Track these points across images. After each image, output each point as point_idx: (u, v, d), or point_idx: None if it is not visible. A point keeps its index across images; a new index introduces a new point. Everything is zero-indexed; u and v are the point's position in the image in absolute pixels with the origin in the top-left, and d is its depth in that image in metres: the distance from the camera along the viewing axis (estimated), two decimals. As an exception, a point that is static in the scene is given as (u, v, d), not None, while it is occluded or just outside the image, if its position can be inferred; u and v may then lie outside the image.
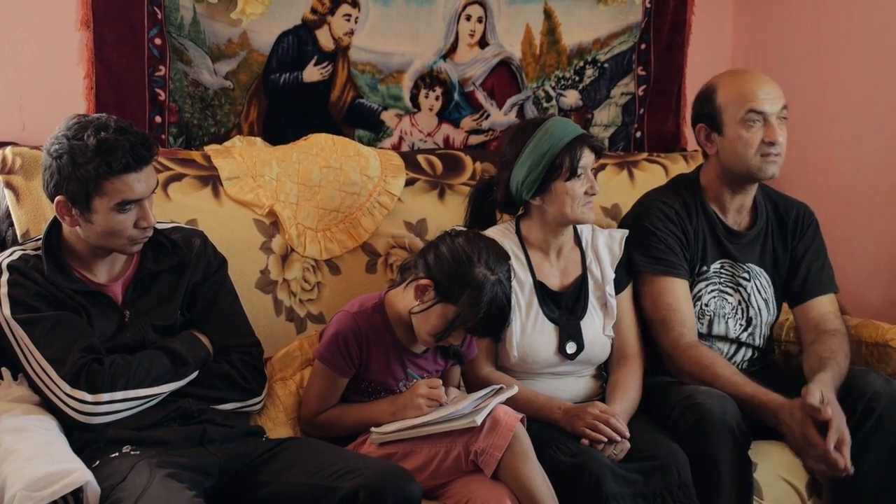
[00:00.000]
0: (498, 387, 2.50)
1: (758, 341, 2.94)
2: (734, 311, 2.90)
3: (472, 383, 2.69)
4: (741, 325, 2.91)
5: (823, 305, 2.89)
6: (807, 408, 2.51)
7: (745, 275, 2.90)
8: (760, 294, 2.91)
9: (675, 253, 2.82)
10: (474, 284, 2.39)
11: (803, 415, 2.53)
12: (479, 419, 2.34)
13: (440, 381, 2.51)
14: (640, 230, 2.85)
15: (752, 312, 2.91)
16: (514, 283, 2.58)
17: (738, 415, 2.56)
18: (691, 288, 2.86)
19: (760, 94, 2.78)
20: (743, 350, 2.92)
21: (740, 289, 2.90)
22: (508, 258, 2.51)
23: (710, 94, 2.86)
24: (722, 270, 2.89)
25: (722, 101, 2.82)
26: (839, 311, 2.91)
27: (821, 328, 2.83)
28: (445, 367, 2.66)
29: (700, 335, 2.85)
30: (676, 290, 2.80)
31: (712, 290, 2.89)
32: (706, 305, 2.88)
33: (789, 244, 2.95)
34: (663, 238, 2.82)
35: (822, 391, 2.54)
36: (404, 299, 2.52)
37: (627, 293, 2.81)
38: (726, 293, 2.90)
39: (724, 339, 2.90)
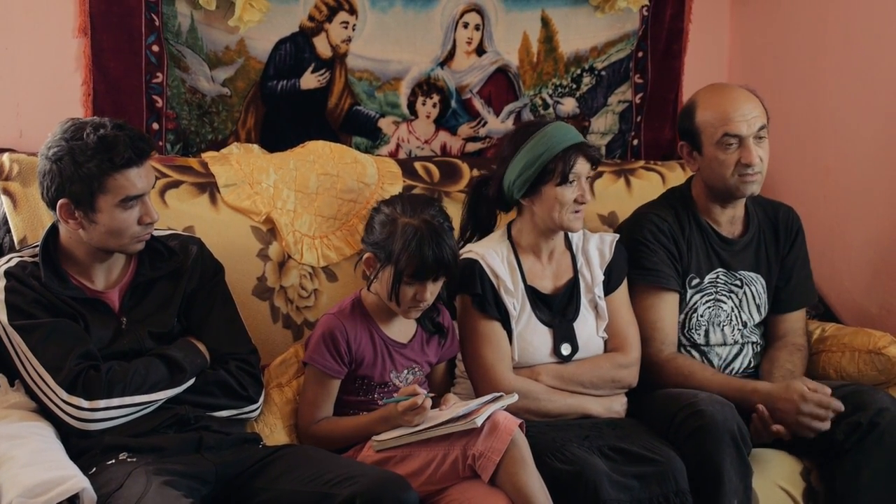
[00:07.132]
0: (497, 394, 2.49)
1: (755, 348, 2.97)
2: (728, 319, 2.93)
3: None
4: (738, 329, 2.94)
5: (798, 320, 3.01)
6: (809, 387, 2.64)
7: (738, 282, 2.94)
8: (753, 300, 2.95)
9: (665, 264, 2.87)
10: (399, 234, 2.50)
11: (795, 395, 2.62)
12: (479, 421, 2.34)
13: (415, 386, 2.49)
14: (631, 243, 2.89)
15: (744, 317, 2.95)
16: (504, 291, 2.67)
17: (739, 421, 2.58)
18: (685, 299, 2.91)
19: (736, 116, 2.80)
20: (741, 357, 2.94)
21: (732, 296, 2.94)
22: (433, 201, 2.65)
23: (691, 112, 2.90)
24: (717, 280, 2.93)
25: (700, 122, 2.85)
26: (806, 324, 3.04)
27: (789, 339, 2.96)
28: (434, 359, 2.68)
29: (698, 345, 2.91)
30: (663, 305, 2.86)
31: (707, 301, 2.92)
32: (701, 316, 2.91)
33: (781, 249, 3.01)
34: (654, 250, 2.87)
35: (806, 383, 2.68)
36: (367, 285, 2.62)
37: (622, 293, 2.82)
38: (721, 301, 2.92)
39: (723, 345, 2.93)
